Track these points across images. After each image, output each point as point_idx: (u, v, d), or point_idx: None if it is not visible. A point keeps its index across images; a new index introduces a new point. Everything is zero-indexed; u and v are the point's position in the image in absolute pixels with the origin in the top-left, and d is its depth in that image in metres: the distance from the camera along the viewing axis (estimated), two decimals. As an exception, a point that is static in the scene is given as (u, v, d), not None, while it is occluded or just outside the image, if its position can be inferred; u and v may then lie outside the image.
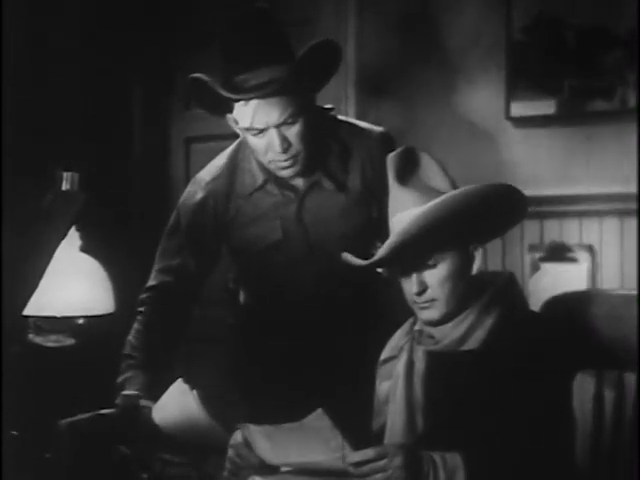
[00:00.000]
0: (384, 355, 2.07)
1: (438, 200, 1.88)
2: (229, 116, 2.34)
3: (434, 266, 1.93)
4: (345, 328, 2.45)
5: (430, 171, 1.97)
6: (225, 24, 2.33)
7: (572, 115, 3.43)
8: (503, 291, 1.99)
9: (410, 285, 1.94)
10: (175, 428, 2.07)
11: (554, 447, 1.83)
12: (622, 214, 3.27)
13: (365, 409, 2.07)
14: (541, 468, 1.81)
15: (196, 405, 2.04)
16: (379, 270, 2.07)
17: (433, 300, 1.93)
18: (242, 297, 2.71)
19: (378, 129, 2.53)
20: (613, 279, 3.28)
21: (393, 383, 2.00)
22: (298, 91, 2.28)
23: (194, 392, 2.07)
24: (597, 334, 2.09)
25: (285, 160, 2.32)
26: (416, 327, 2.03)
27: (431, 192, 1.93)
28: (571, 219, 3.35)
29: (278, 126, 2.26)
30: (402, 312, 2.09)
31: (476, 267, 1.96)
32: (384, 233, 2.00)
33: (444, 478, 1.74)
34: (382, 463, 1.73)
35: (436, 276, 1.93)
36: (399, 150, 2.01)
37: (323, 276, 2.44)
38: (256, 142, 2.31)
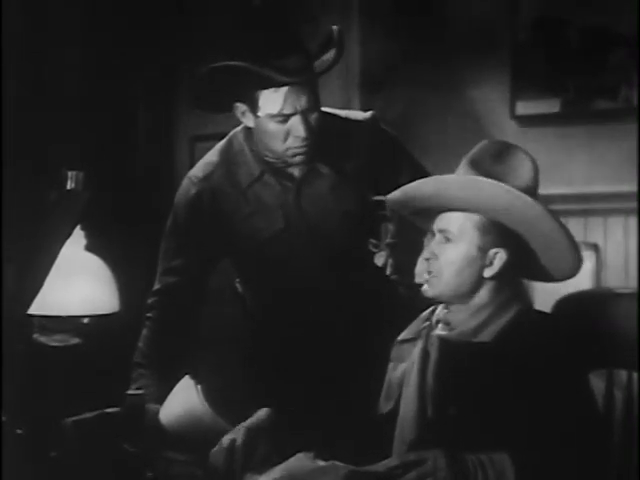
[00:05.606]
0: (402, 336, 2.08)
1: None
2: (238, 105, 2.36)
3: (449, 240, 1.95)
4: (351, 314, 2.47)
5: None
6: (244, 16, 2.38)
7: (576, 114, 3.43)
8: (523, 291, 2.01)
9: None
10: (179, 424, 2.08)
11: (579, 448, 1.82)
12: (626, 213, 3.27)
13: (373, 394, 2.08)
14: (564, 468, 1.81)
15: (200, 400, 2.05)
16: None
17: (431, 274, 1.95)
18: (248, 294, 2.70)
19: (365, 114, 2.55)
20: (617, 277, 3.28)
21: (408, 367, 2.00)
22: (316, 79, 2.34)
23: (198, 387, 2.07)
24: (607, 334, 2.10)
25: (303, 147, 2.34)
26: (435, 314, 2.04)
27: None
28: (576, 217, 3.35)
29: (304, 112, 2.30)
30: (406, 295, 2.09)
31: (492, 272, 1.95)
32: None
33: (494, 478, 1.75)
34: (429, 467, 1.75)
35: (446, 252, 1.95)
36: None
37: (326, 261, 2.47)
38: (276, 129, 2.33)
